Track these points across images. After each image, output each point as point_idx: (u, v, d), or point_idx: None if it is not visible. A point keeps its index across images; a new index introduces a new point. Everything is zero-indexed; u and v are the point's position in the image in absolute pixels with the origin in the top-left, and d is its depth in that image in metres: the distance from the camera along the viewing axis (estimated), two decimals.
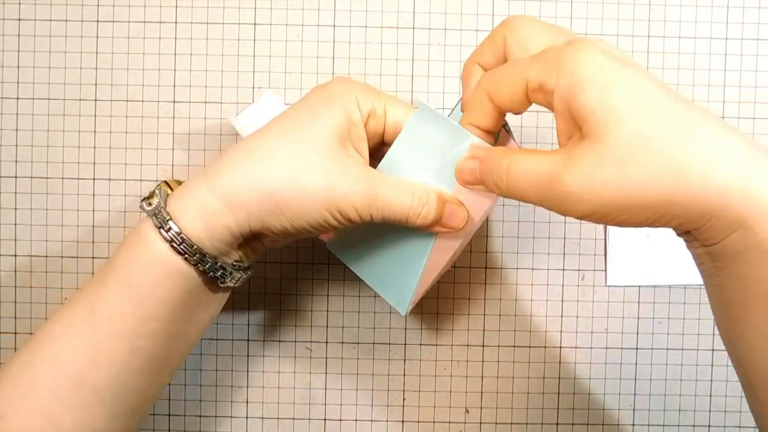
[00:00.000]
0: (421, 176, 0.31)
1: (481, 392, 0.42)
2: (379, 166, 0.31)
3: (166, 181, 0.31)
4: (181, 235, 0.28)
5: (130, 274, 0.29)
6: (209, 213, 0.28)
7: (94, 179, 0.41)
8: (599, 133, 0.23)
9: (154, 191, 0.30)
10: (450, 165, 0.30)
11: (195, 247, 0.28)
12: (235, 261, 0.31)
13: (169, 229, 0.28)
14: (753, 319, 0.24)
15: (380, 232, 0.32)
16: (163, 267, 0.29)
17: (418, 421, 0.42)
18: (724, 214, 0.23)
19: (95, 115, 0.41)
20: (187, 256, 0.28)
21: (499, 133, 0.31)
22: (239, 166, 0.29)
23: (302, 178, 0.28)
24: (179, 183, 0.32)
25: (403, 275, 0.32)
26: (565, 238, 0.41)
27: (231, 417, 0.42)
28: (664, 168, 0.23)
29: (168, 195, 0.30)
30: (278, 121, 0.30)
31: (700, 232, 0.24)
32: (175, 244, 0.28)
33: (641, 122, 0.23)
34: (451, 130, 0.30)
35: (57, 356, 0.29)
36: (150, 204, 0.29)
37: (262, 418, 0.42)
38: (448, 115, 0.32)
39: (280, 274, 0.41)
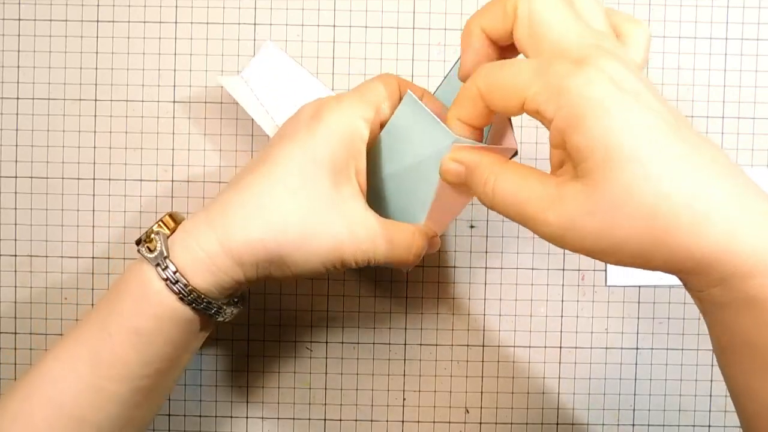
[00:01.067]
0: (402, 167, 0.32)
1: (481, 392, 0.42)
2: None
3: (161, 220, 0.31)
4: (189, 287, 0.29)
5: (136, 324, 0.29)
6: (220, 269, 0.29)
7: (94, 179, 0.41)
8: (592, 180, 0.22)
9: (151, 236, 0.29)
10: (431, 160, 0.30)
11: (203, 296, 0.29)
12: (232, 299, 0.32)
13: (177, 281, 0.28)
14: (742, 364, 0.24)
15: (387, 188, 0.34)
16: (171, 315, 0.29)
17: (418, 421, 0.42)
18: (705, 272, 0.22)
19: (95, 115, 0.41)
20: (194, 305, 0.29)
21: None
22: (251, 226, 0.29)
23: (313, 240, 0.29)
24: (172, 218, 0.31)
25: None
26: None
27: (231, 417, 0.42)
28: (649, 230, 0.22)
29: (167, 237, 0.30)
30: (282, 168, 0.29)
31: (684, 281, 0.24)
32: (183, 296, 0.29)
33: (634, 177, 0.22)
34: (435, 127, 0.29)
35: (57, 397, 0.29)
36: (150, 250, 0.29)
37: (262, 418, 0.42)
38: (443, 80, 0.33)
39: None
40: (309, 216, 0.29)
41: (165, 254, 0.29)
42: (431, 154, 0.30)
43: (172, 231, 0.30)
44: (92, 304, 0.41)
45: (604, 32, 0.25)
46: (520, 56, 0.27)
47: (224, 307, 0.31)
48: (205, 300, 0.29)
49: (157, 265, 0.29)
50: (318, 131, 0.29)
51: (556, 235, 0.24)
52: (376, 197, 0.34)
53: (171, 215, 0.31)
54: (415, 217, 0.33)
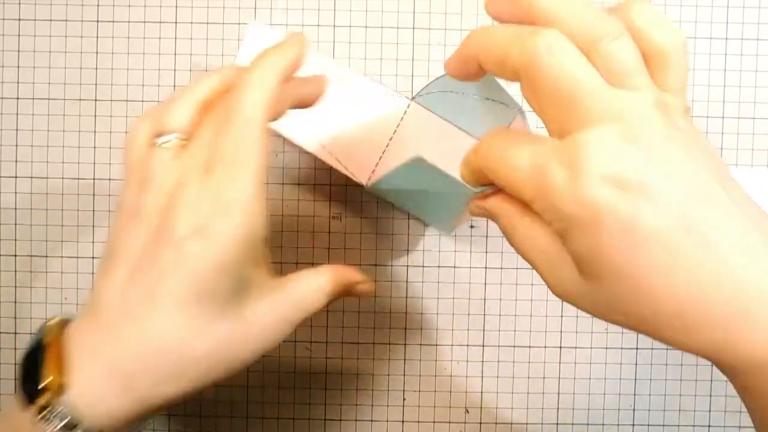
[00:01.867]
0: (420, 190, 0.33)
1: (481, 392, 0.42)
2: (373, 183, 0.33)
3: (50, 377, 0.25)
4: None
5: None
6: (134, 419, 0.26)
7: (94, 179, 0.41)
8: (587, 279, 0.22)
9: (44, 398, 0.24)
10: (452, 195, 0.31)
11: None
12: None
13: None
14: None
15: (418, 186, 0.34)
16: None
17: (418, 421, 0.42)
18: (707, 360, 0.22)
19: (95, 115, 0.41)
20: None
21: (512, 121, 0.31)
22: (164, 389, 0.25)
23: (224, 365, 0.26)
24: (55, 369, 0.25)
25: (444, 212, 0.34)
26: None
27: (231, 417, 0.42)
28: (642, 328, 0.22)
29: (62, 393, 0.24)
30: (170, 320, 0.25)
31: None
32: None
33: (623, 292, 0.21)
34: (452, 181, 0.30)
35: None
36: (49, 416, 0.24)
37: (262, 418, 0.42)
38: (428, 85, 0.34)
39: (280, 275, 0.41)
40: (210, 357, 0.26)
41: (79, 420, 0.24)
42: (451, 192, 0.30)
43: (62, 385, 0.25)
44: None
45: (633, 83, 0.22)
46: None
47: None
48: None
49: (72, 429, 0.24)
50: (200, 263, 0.25)
51: (557, 295, 0.24)
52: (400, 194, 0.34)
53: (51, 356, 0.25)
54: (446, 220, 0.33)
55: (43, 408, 0.24)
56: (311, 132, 0.36)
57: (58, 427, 0.24)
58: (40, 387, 0.24)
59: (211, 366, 0.26)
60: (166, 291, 0.25)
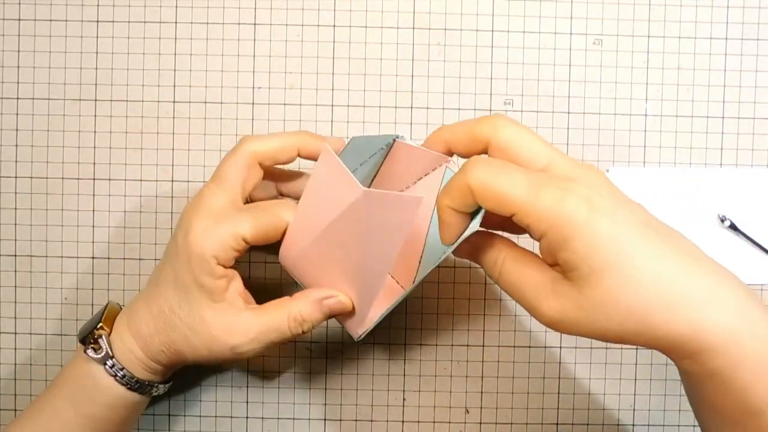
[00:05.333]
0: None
1: (481, 392, 0.42)
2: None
3: (101, 325, 0.35)
4: (135, 378, 0.34)
5: (91, 412, 0.34)
6: (149, 366, 0.35)
7: (94, 179, 0.41)
8: (581, 284, 0.26)
9: (95, 335, 0.34)
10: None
11: (146, 382, 0.35)
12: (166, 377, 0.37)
13: (124, 375, 0.34)
14: (709, 420, 0.28)
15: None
16: (122, 402, 0.35)
17: (418, 421, 0.42)
18: (677, 350, 0.26)
19: (95, 115, 0.41)
20: (140, 391, 0.35)
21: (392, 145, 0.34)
22: (154, 338, 0.34)
23: (195, 341, 0.34)
24: (107, 316, 0.35)
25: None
26: None
27: (231, 417, 0.42)
28: (630, 321, 0.26)
29: (108, 335, 0.35)
30: (163, 289, 0.34)
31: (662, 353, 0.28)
32: (130, 386, 0.34)
33: (615, 283, 0.26)
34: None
35: None
36: (96, 351, 0.34)
37: (262, 418, 0.42)
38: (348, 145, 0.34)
39: (280, 275, 0.41)
40: (187, 326, 0.34)
41: (111, 354, 0.34)
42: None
43: (110, 328, 0.35)
44: (92, 305, 0.41)
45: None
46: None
47: (160, 386, 0.36)
48: (147, 384, 0.35)
49: (105, 363, 0.34)
50: (185, 259, 0.33)
51: (550, 322, 0.28)
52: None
53: (107, 313, 0.35)
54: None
55: (91, 344, 0.34)
56: None
57: (99, 356, 0.34)
58: (93, 332, 0.34)
59: (198, 342, 0.34)
60: (166, 276, 0.34)
